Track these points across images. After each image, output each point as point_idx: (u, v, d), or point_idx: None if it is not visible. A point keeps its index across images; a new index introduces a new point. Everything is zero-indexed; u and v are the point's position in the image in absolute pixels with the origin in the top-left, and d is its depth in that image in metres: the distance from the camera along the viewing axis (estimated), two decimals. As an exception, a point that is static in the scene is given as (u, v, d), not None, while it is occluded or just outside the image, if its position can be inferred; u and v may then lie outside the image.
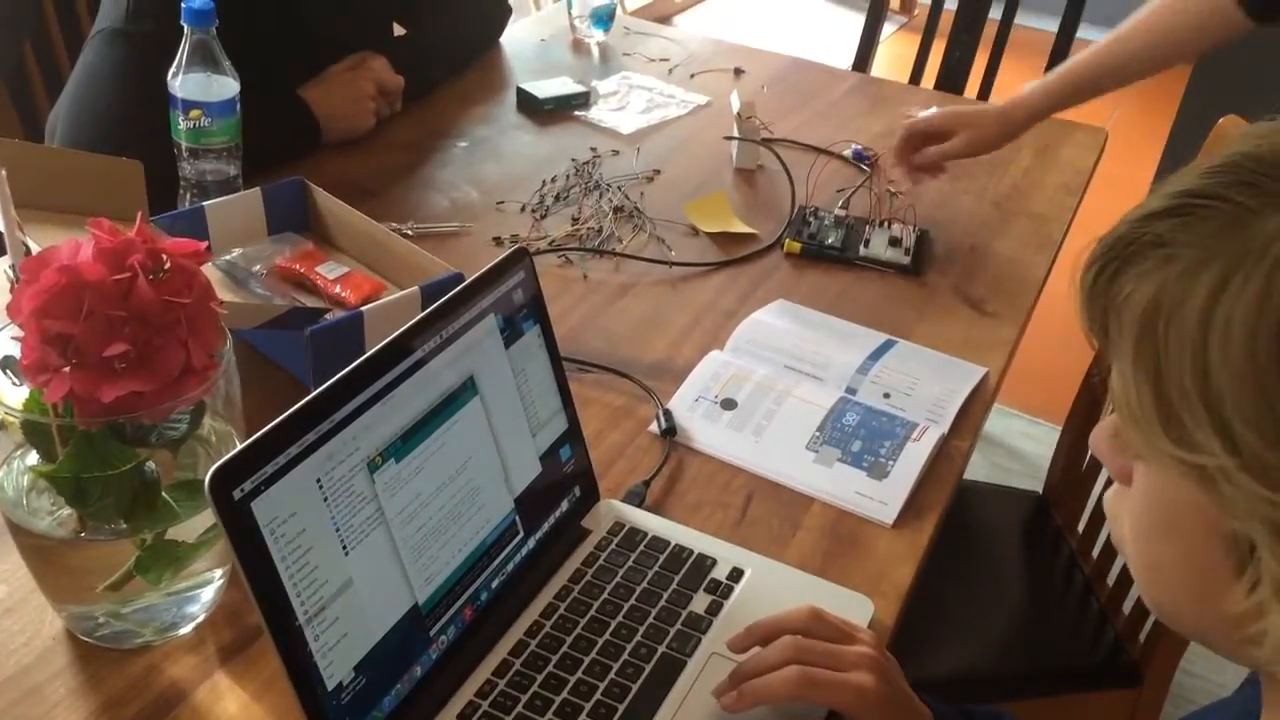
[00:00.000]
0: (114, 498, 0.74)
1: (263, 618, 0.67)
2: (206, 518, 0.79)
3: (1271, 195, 0.46)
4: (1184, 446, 0.46)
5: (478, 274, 0.85)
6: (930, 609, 0.93)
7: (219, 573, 0.84)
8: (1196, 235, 0.46)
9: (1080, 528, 1.53)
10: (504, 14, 1.90)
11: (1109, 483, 1.51)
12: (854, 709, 0.75)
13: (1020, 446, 2.48)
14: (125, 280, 0.71)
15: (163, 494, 0.78)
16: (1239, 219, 0.45)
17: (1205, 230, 0.46)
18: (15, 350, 0.72)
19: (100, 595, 0.79)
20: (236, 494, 0.65)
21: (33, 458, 0.79)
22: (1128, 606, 1.40)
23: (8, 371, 0.75)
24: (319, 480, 0.71)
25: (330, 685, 0.71)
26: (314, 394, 0.71)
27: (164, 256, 0.73)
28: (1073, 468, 1.58)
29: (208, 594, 0.84)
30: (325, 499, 0.71)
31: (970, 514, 1.56)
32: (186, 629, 0.83)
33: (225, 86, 1.23)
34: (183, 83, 1.21)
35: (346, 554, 0.72)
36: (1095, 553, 1.49)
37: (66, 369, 0.70)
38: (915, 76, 2.25)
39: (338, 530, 0.72)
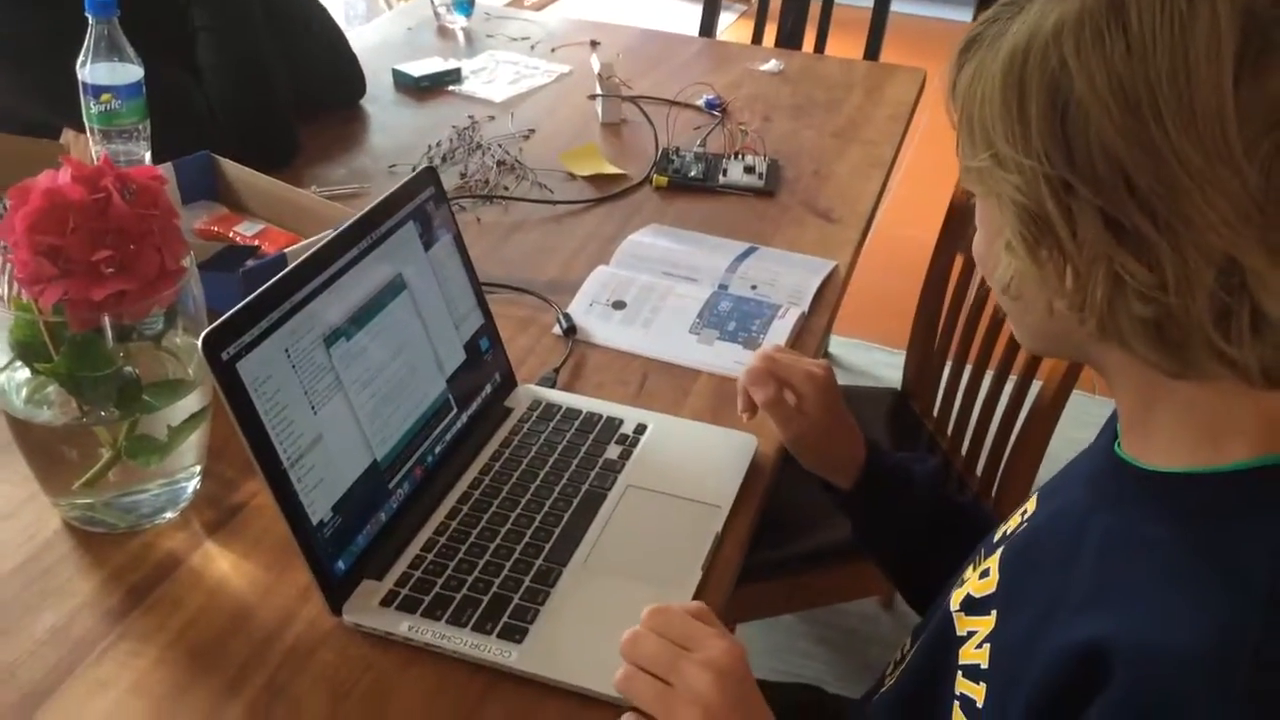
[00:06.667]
0: (104, 388, 0.87)
1: (255, 460, 0.80)
2: (180, 413, 0.92)
3: None
4: (971, 159, 0.66)
5: (394, 188, 1.00)
6: (806, 496, 1.10)
7: (198, 467, 0.97)
8: (1000, 28, 0.65)
9: (935, 412, 1.74)
10: (353, 70, 1.79)
11: (955, 368, 1.69)
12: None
13: (885, 375, 2.71)
14: (102, 199, 0.83)
15: (143, 395, 0.91)
16: (1021, 12, 0.64)
17: (1001, 27, 0.65)
18: None
19: (99, 487, 0.91)
20: (224, 356, 0.79)
21: (23, 375, 0.90)
22: (980, 468, 1.61)
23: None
24: (287, 350, 0.84)
25: (315, 520, 0.84)
26: (273, 280, 0.85)
27: (130, 180, 0.86)
28: (924, 364, 1.79)
29: (190, 484, 0.96)
30: (293, 366, 0.85)
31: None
32: (172, 514, 0.95)
33: (130, 72, 1.34)
34: (91, 70, 1.32)
35: (315, 413, 0.86)
36: (949, 430, 1.70)
37: (59, 277, 0.82)
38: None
39: (306, 393, 0.85)
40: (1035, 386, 1.48)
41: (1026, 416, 1.48)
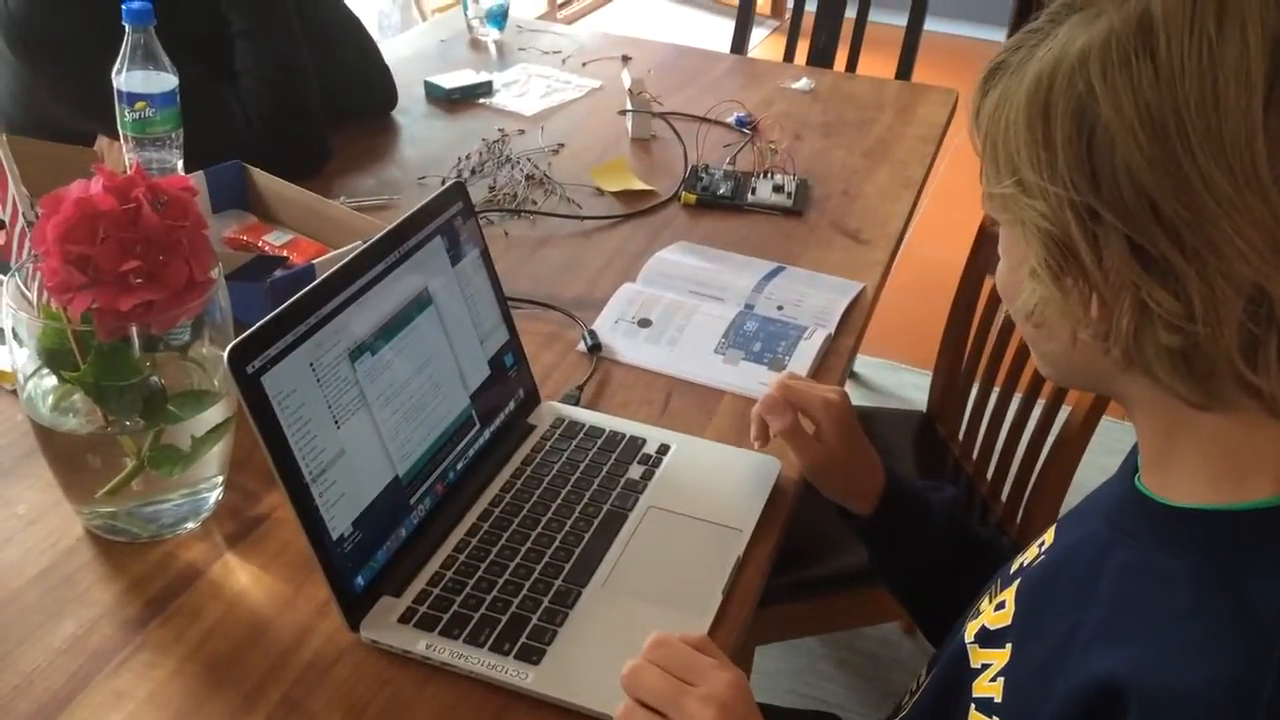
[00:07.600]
0: (129, 397, 0.87)
1: (277, 474, 0.80)
2: (204, 424, 0.92)
3: (1058, 22, 0.63)
4: (995, 185, 0.65)
5: (423, 202, 1.00)
6: (827, 517, 1.09)
7: (220, 479, 0.97)
8: (1024, 55, 0.64)
9: (960, 436, 1.73)
10: (385, 81, 1.81)
11: (982, 391, 1.68)
12: None
13: (911, 396, 2.69)
14: (132, 209, 0.83)
15: (168, 405, 0.91)
16: (1046, 39, 0.63)
17: (1026, 53, 0.64)
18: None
19: (121, 496, 0.91)
20: (249, 369, 0.79)
21: (49, 382, 0.91)
22: (1004, 494, 1.59)
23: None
24: (312, 364, 0.84)
25: (335, 535, 0.84)
26: (301, 293, 0.85)
27: (161, 190, 0.86)
28: (950, 386, 1.77)
29: (212, 496, 0.96)
30: (318, 380, 0.85)
31: (869, 434, 1.74)
32: (194, 524, 0.95)
33: (165, 81, 1.35)
34: (126, 78, 1.33)
35: (339, 428, 0.86)
36: (975, 455, 1.68)
37: (88, 286, 0.82)
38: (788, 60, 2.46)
39: (330, 407, 0.85)
40: (1064, 412, 1.47)
41: (1054, 442, 1.46)
